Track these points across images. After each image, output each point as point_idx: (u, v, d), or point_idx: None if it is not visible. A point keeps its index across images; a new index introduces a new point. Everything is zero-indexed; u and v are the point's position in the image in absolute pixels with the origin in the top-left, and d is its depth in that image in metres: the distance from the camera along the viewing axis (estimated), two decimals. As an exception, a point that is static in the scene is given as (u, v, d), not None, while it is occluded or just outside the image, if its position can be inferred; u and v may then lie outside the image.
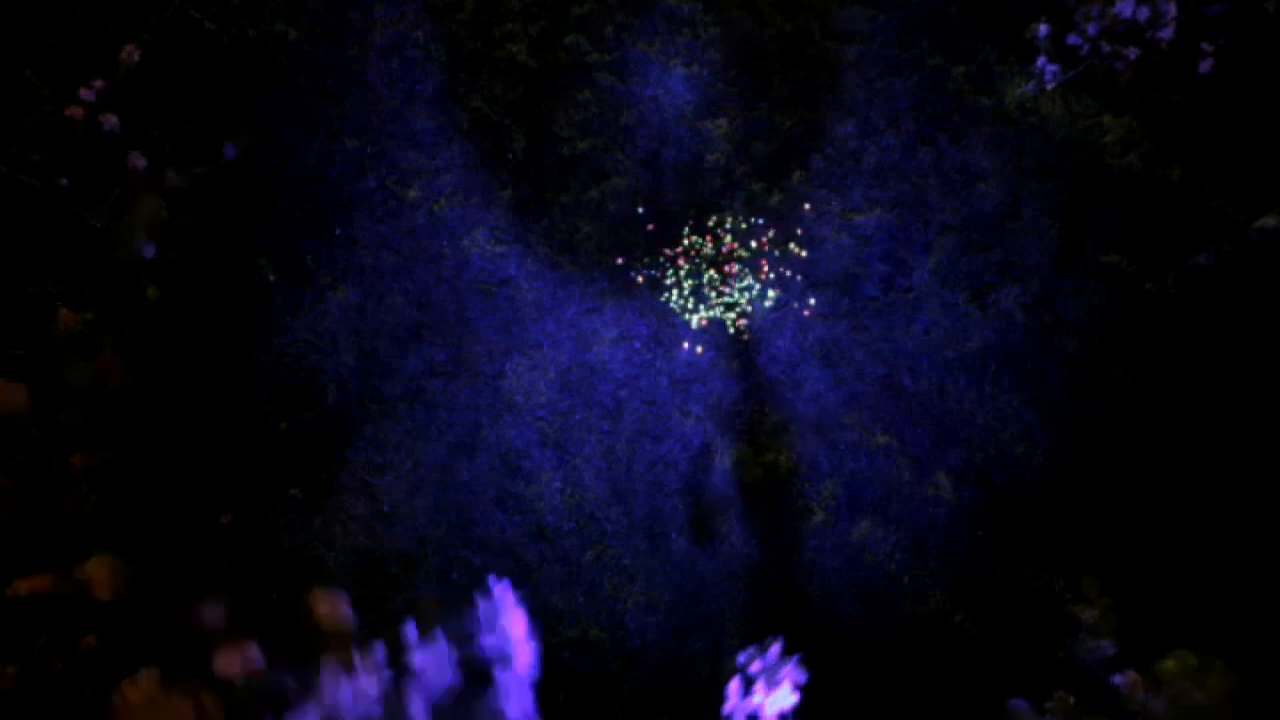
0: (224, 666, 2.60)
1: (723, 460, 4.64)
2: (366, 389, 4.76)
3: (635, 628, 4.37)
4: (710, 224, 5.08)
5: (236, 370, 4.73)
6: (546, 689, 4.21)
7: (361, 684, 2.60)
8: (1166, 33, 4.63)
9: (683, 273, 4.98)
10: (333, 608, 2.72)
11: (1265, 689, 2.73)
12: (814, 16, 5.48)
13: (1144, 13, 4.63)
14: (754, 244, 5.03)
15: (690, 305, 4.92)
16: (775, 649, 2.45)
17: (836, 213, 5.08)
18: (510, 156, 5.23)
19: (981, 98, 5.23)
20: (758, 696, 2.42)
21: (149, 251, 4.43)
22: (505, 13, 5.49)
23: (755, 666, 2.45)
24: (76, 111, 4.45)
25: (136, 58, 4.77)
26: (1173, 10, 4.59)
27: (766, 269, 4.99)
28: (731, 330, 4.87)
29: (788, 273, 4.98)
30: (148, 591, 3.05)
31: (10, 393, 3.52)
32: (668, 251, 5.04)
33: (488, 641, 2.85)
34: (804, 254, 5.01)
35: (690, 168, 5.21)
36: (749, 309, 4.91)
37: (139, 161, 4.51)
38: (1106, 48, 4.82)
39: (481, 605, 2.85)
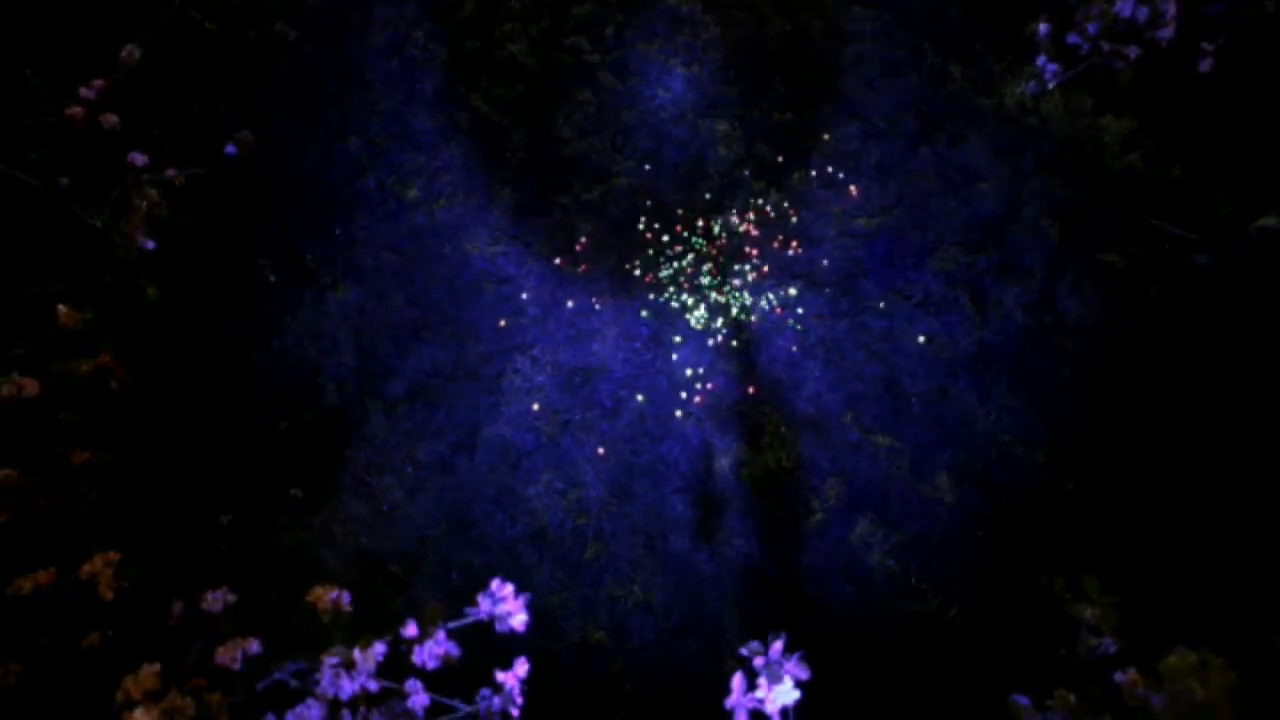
0: (226, 661, 2.60)
1: (723, 460, 4.65)
2: (366, 389, 4.77)
3: (635, 628, 4.37)
4: (710, 224, 5.08)
5: (236, 370, 4.74)
6: (547, 690, 4.22)
7: (362, 679, 2.60)
8: (1166, 32, 4.63)
9: (683, 273, 4.99)
10: (334, 601, 2.72)
11: (1266, 686, 2.73)
12: (814, 16, 5.48)
13: (1143, 12, 4.64)
14: (754, 244, 5.04)
15: (690, 305, 4.92)
16: (778, 644, 2.44)
17: (836, 213, 5.09)
18: (510, 156, 5.23)
19: (981, 98, 5.24)
20: (760, 691, 2.41)
21: (148, 244, 4.43)
22: (505, 13, 5.50)
23: (758, 661, 2.44)
24: (76, 111, 4.45)
25: (136, 57, 4.77)
26: (1172, 10, 4.59)
27: (766, 269, 4.99)
28: (731, 330, 4.87)
29: (788, 273, 4.99)
30: (150, 589, 3.05)
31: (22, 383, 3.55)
32: (668, 252, 5.04)
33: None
34: (804, 254, 5.02)
35: (690, 168, 5.22)
36: (749, 309, 4.91)
37: (139, 160, 4.52)
38: (1107, 47, 4.83)
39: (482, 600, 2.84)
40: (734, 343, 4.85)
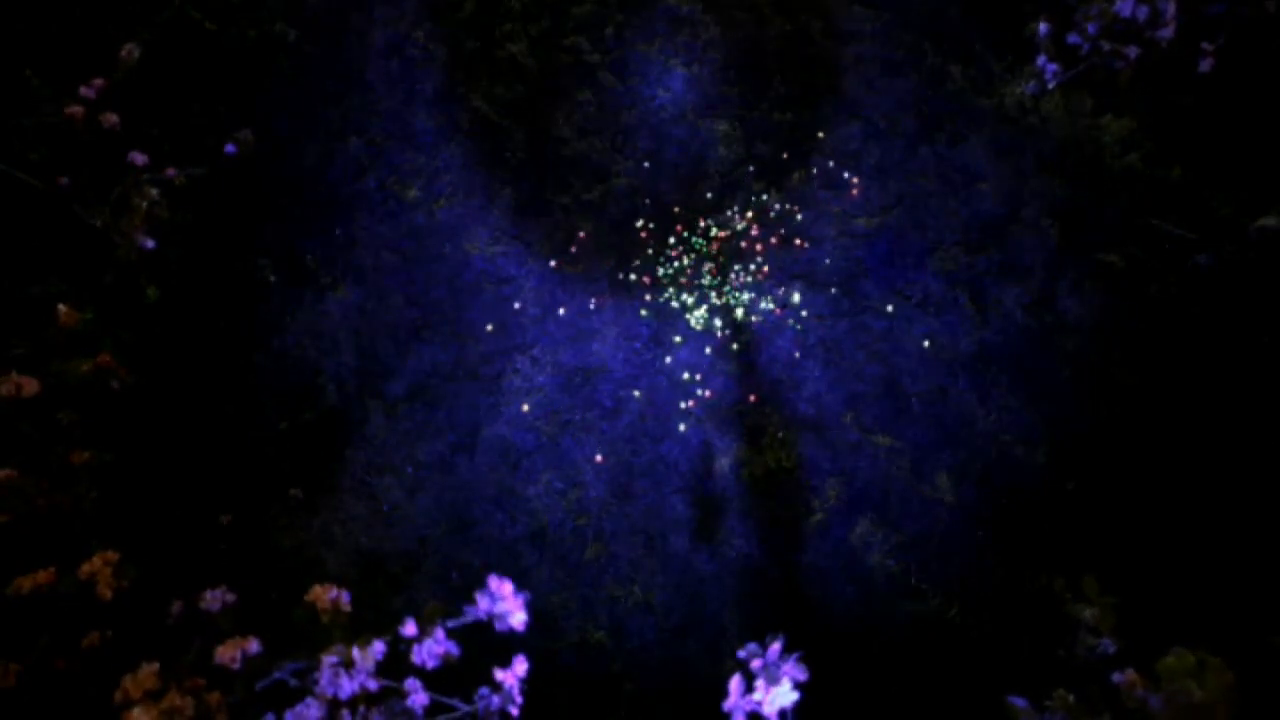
0: (225, 660, 2.60)
1: (722, 460, 4.65)
2: (366, 389, 4.77)
3: (635, 628, 4.37)
4: (710, 224, 5.08)
5: (236, 370, 4.74)
6: (546, 690, 4.21)
7: (361, 678, 2.60)
8: (1166, 31, 4.64)
9: (683, 273, 4.99)
10: (333, 601, 2.72)
11: (1264, 687, 2.73)
12: (814, 16, 5.48)
13: (1143, 12, 4.64)
14: (754, 244, 5.04)
15: (690, 305, 4.92)
16: (776, 646, 2.44)
17: (836, 213, 5.09)
18: (510, 156, 5.23)
19: (981, 98, 5.24)
20: (758, 693, 2.41)
21: (148, 244, 4.43)
22: (505, 13, 5.50)
23: (756, 663, 2.44)
24: (76, 110, 4.45)
25: (136, 57, 4.77)
26: (1172, 9, 4.59)
27: (767, 269, 4.99)
28: (731, 330, 4.87)
29: (788, 273, 4.98)
30: (150, 589, 3.05)
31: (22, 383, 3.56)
32: (668, 252, 5.04)
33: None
34: (804, 254, 5.02)
35: (690, 168, 5.22)
36: (749, 309, 4.91)
37: (139, 160, 4.52)
38: (1106, 46, 4.83)
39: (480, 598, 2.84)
40: (734, 343, 4.85)
